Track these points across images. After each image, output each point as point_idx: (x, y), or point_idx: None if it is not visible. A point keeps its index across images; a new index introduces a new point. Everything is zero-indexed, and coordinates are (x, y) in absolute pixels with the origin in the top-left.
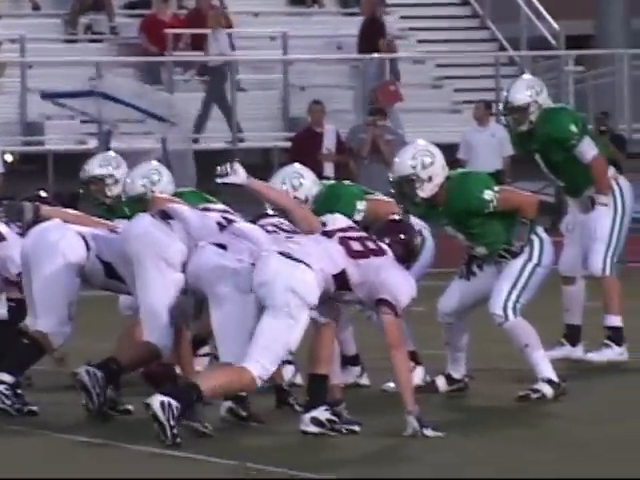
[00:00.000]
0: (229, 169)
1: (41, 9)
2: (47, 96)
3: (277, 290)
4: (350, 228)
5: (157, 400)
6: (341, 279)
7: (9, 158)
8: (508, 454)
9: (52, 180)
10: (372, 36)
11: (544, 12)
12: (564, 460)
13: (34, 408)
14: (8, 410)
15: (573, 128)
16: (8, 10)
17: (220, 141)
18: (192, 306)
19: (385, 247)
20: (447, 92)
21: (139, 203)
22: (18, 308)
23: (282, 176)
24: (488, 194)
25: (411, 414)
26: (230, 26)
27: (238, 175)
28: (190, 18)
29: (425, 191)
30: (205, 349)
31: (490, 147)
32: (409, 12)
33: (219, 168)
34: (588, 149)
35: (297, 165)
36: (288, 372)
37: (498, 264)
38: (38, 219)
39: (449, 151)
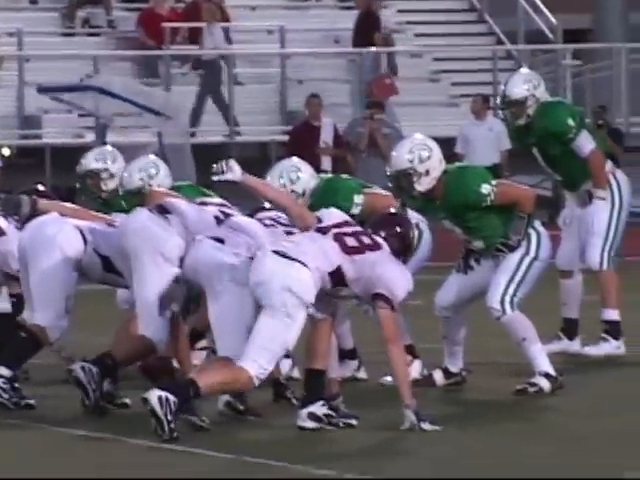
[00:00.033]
0: (224, 167)
1: (38, 3)
2: (44, 90)
3: (274, 290)
4: (345, 223)
5: (155, 395)
6: (337, 276)
7: (6, 152)
8: (505, 448)
9: (49, 174)
10: (367, 30)
11: (541, 6)
12: (561, 454)
13: (31, 402)
14: (5, 404)
15: (570, 122)
16: (5, 3)
17: (217, 135)
18: (183, 293)
19: (381, 241)
20: (444, 86)
21: (136, 197)
22: (19, 303)
23: (280, 170)
24: (485, 188)
25: (408, 408)
26: (227, 20)
27: (234, 172)
28: (187, 12)
29: (422, 185)
30: (202, 343)
31: (487, 141)
32: (406, 6)
33: (215, 166)
34: (585, 143)
35: (295, 159)
36: (285, 366)
37: (495, 258)
38: (35, 213)
39: (446, 145)
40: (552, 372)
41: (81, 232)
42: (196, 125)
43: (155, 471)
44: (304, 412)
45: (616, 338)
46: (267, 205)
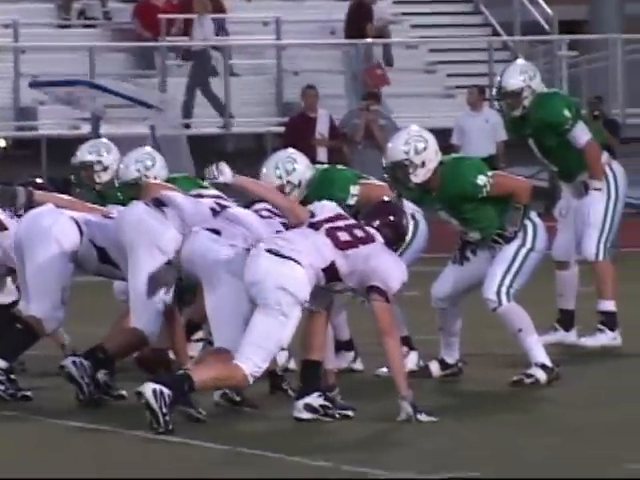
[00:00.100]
0: (215, 171)
1: None
2: (35, 85)
3: (268, 289)
4: (338, 217)
5: (149, 388)
6: (330, 271)
7: (2, 143)
8: (501, 439)
9: (45, 165)
10: (359, 21)
11: None
12: (558, 445)
13: (28, 393)
14: (2, 395)
15: (566, 113)
16: None
17: (212, 126)
18: (174, 277)
19: (374, 233)
20: (440, 77)
21: (133, 188)
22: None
23: (275, 161)
24: (481, 179)
25: (405, 399)
26: (223, 11)
27: (224, 175)
28: (183, 3)
29: (418, 176)
30: (199, 334)
31: (483, 132)
32: None
33: (206, 170)
34: (581, 134)
35: (290, 150)
36: (282, 357)
37: (492, 249)
38: (31, 204)
39: (442, 136)
40: (548, 363)
41: (77, 223)
42: (189, 117)
43: (151, 462)
44: (300, 403)
45: (612, 329)
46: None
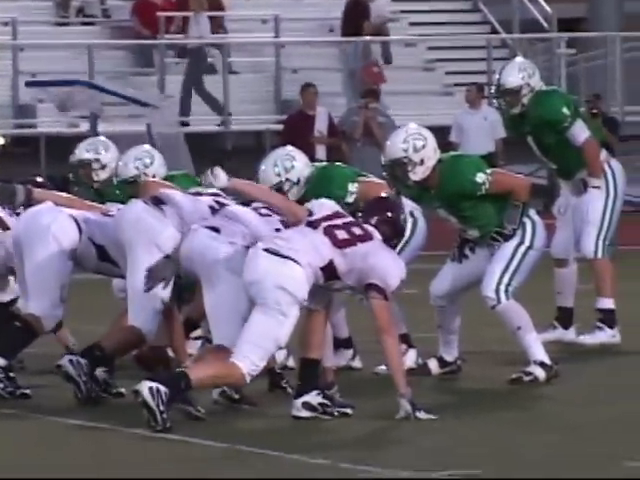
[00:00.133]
0: (211, 176)
1: None
2: (32, 84)
3: (267, 289)
4: (336, 215)
5: (146, 386)
6: (329, 270)
7: (1, 141)
8: (500, 436)
9: (44, 163)
10: (356, 18)
11: None
12: (556, 442)
13: (27, 391)
14: (1, 393)
15: (565, 111)
16: None
17: (211, 124)
18: (173, 271)
19: (372, 230)
20: (439, 75)
21: (132, 186)
22: None
23: (274, 158)
24: (480, 177)
25: (403, 397)
26: (222, 9)
27: (219, 179)
28: (181, 1)
29: (417, 174)
30: (197, 332)
31: (482, 130)
32: None
33: (202, 177)
34: (580, 132)
35: (289, 147)
36: (280, 355)
37: (490, 247)
38: (30, 202)
39: (441, 134)
40: (547, 361)
41: (76, 221)
42: (187, 114)
43: (150, 460)
44: (299, 402)
45: (611, 327)
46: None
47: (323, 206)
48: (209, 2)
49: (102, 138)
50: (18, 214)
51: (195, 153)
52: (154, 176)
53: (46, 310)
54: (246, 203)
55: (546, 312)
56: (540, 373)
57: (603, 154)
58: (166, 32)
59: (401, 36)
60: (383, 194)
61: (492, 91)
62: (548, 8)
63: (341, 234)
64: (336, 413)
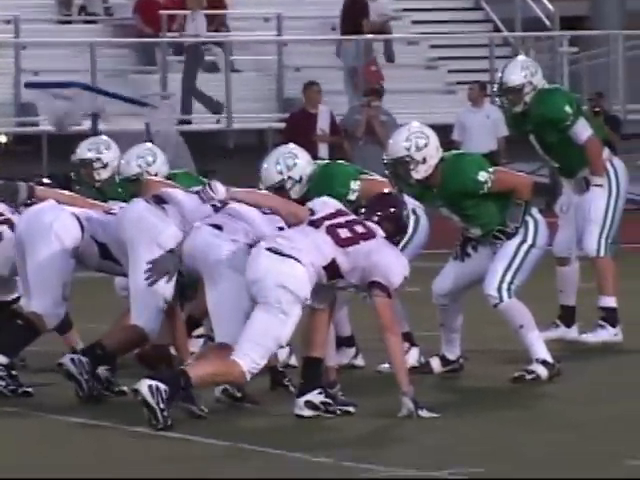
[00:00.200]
0: (210, 191)
1: None
2: (30, 86)
3: (268, 287)
4: (338, 213)
5: (145, 385)
6: (332, 269)
7: (3, 139)
8: (502, 435)
9: (46, 161)
10: (355, 17)
11: None
12: (559, 441)
13: (29, 389)
14: (3, 391)
15: (567, 109)
16: None
17: (212, 122)
18: (176, 266)
19: (375, 228)
20: (441, 73)
21: (134, 184)
22: None
23: (276, 156)
24: (482, 175)
25: (406, 395)
26: (224, 7)
27: (218, 193)
28: None
29: (419, 173)
30: (199, 330)
31: (485, 128)
32: None
33: (201, 192)
34: (583, 130)
35: (291, 145)
36: (283, 353)
37: (493, 245)
38: (33, 200)
39: (443, 132)
40: (549, 359)
41: (78, 219)
42: (189, 113)
43: (152, 459)
44: (301, 400)
45: (613, 325)
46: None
47: (325, 205)
48: (211, 0)
49: (104, 137)
50: (20, 212)
51: (197, 151)
52: (156, 174)
53: (48, 308)
54: None
55: (548, 310)
56: (542, 371)
57: (605, 152)
58: (168, 30)
59: (403, 34)
60: (386, 190)
61: (494, 89)
62: (550, 6)
63: (344, 232)
64: (338, 411)
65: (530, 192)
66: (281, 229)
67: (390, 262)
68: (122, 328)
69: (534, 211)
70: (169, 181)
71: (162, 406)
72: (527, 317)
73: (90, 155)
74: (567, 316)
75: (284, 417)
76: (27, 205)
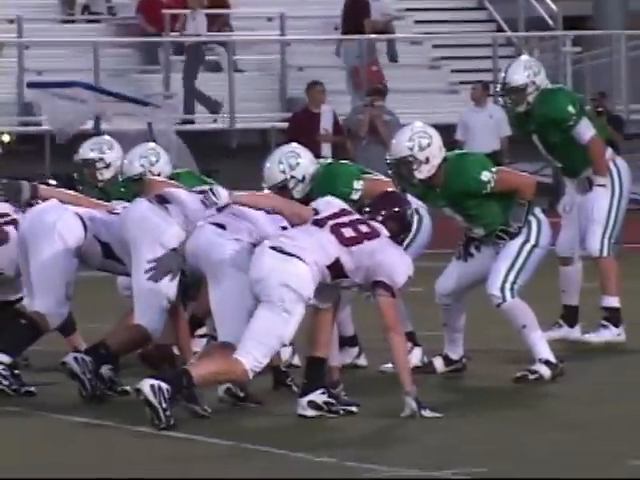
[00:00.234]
0: (212, 197)
1: None
2: (32, 86)
3: (272, 286)
4: (342, 212)
5: (147, 384)
6: (336, 268)
7: (6, 139)
8: (505, 435)
9: (49, 161)
10: (356, 16)
11: None
12: (561, 441)
13: (32, 389)
14: (6, 390)
15: (570, 109)
16: None
17: (216, 122)
18: (180, 265)
19: (379, 227)
20: (444, 73)
21: (137, 183)
22: None
23: (279, 156)
24: (486, 175)
25: (409, 395)
26: (227, 6)
27: (220, 198)
28: None
29: (422, 172)
30: (202, 330)
31: (488, 128)
32: None
33: (204, 198)
34: (586, 130)
35: (294, 144)
36: (286, 353)
37: (496, 245)
38: (36, 199)
39: (446, 132)
40: (552, 359)
41: (81, 219)
42: (192, 112)
43: (155, 458)
44: (304, 400)
45: (616, 325)
46: (268, 192)
47: (329, 204)
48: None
49: (106, 137)
50: (24, 212)
51: (200, 151)
52: (159, 174)
53: (51, 308)
54: None
55: (551, 310)
56: (545, 371)
57: (608, 152)
58: (171, 30)
59: (406, 34)
60: (389, 189)
61: (497, 89)
62: (554, 6)
63: (348, 232)
64: (341, 411)
65: (533, 192)
66: (284, 229)
67: (394, 261)
68: (125, 328)
69: (537, 211)
70: (172, 181)
71: (164, 405)
72: (530, 317)
73: (93, 155)
74: (570, 316)
75: (287, 417)
76: (31, 205)
